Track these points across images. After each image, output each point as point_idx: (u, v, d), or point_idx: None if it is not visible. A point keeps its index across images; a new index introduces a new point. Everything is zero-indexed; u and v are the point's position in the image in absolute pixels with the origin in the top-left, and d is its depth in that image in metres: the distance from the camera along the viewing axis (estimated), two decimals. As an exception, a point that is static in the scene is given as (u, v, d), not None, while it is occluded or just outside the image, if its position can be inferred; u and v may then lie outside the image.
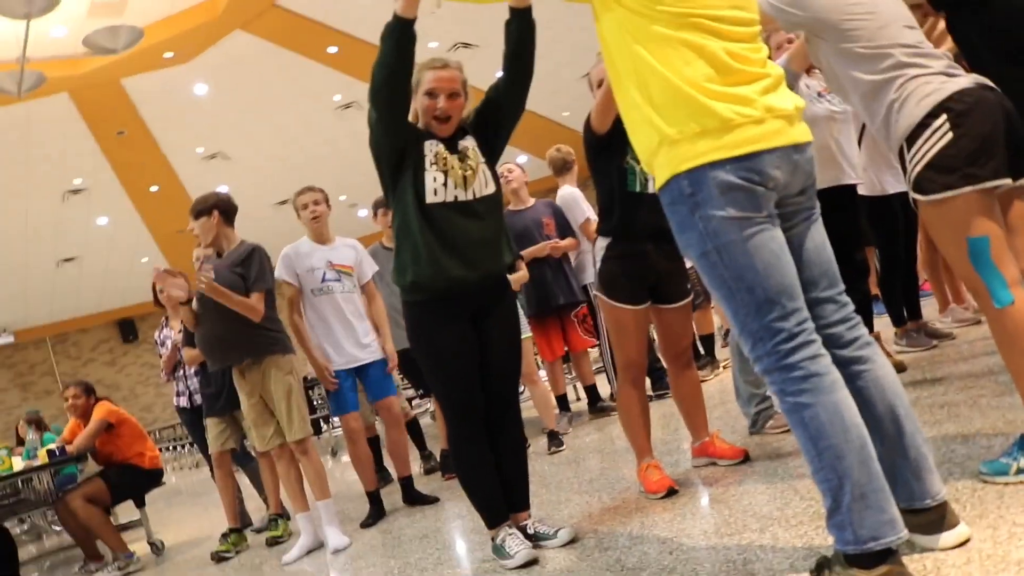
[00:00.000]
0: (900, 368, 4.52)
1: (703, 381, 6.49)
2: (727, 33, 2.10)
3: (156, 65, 13.08)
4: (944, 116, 2.47)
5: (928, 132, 2.50)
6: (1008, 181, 2.49)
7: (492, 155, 3.38)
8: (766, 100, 2.07)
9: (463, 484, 3.38)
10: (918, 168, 2.53)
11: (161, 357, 6.12)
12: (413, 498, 5.05)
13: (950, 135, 2.46)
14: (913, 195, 2.58)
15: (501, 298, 3.37)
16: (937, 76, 2.54)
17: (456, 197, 3.19)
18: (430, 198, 3.16)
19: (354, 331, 5.01)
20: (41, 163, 14.65)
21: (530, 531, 3.34)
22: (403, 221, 3.22)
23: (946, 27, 3.02)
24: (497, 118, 3.36)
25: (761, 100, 2.06)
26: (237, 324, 4.57)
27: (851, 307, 2.23)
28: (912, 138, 2.54)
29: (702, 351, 7.15)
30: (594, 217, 6.10)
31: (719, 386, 6.20)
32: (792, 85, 2.63)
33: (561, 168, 6.62)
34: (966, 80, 2.53)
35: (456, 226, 3.17)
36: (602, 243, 3.75)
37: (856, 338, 2.19)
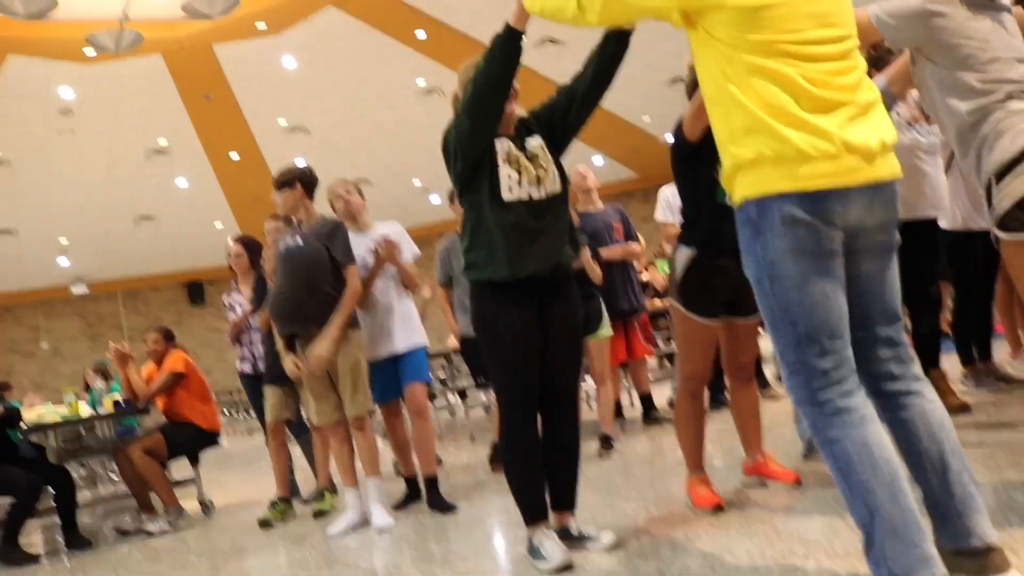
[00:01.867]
0: (964, 409, 4.42)
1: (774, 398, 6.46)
2: (815, 55, 2.05)
3: (248, 34, 13.34)
4: None
5: (1020, 169, 2.45)
6: None
7: (559, 152, 3.39)
8: (846, 134, 2.00)
9: (507, 474, 3.35)
10: (1005, 205, 2.48)
11: (228, 320, 6.25)
12: (435, 503, 4.74)
13: None
14: (996, 232, 2.53)
15: (566, 292, 3.37)
16: None
17: (531, 196, 3.21)
18: (506, 195, 3.18)
19: (394, 319, 4.97)
20: (129, 120, 15.05)
21: (574, 532, 3.34)
22: (477, 221, 3.24)
23: None
24: (567, 119, 3.34)
25: (840, 133, 2.00)
26: (313, 291, 4.60)
27: (906, 347, 2.20)
28: (1002, 174, 2.50)
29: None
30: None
31: (775, 407, 6.13)
32: (888, 107, 2.59)
33: None
34: None
35: (530, 223, 3.18)
36: (685, 252, 3.70)
37: (905, 374, 2.17)
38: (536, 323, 3.27)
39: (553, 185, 3.28)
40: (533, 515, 3.29)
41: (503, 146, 3.25)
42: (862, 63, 2.14)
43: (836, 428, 2.01)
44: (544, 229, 3.21)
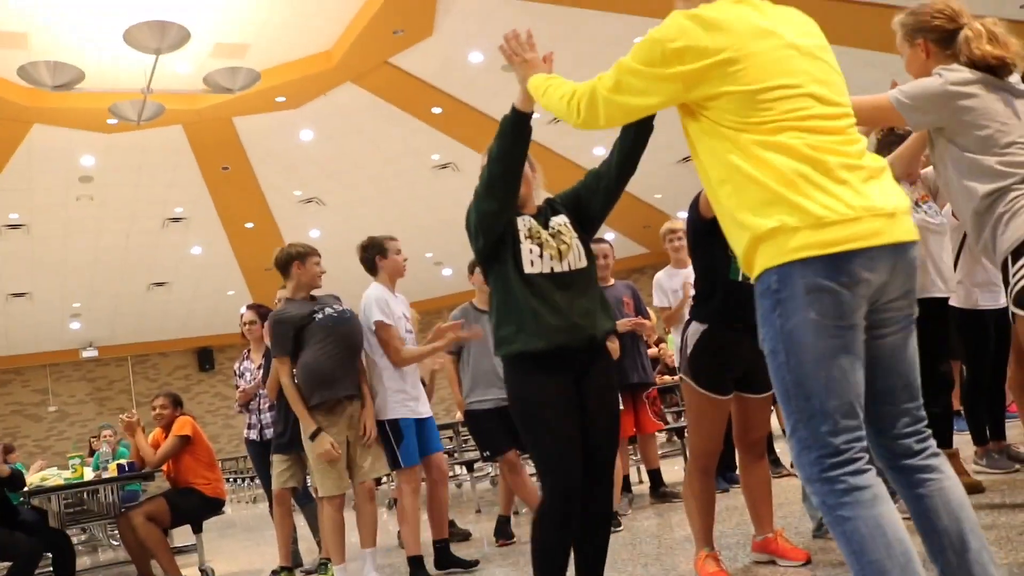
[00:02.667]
0: (977, 489, 4.37)
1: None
2: (819, 128, 2.05)
3: (267, 108, 13.60)
4: None
5: None
6: None
7: (586, 233, 3.38)
8: (863, 199, 2.00)
9: (535, 549, 3.19)
10: (1022, 283, 2.50)
11: (237, 388, 6.25)
12: (449, 561, 4.99)
13: None
14: (1014, 309, 2.54)
15: (602, 363, 3.28)
16: None
17: (552, 269, 3.19)
18: (527, 269, 3.16)
19: (415, 382, 5.04)
20: (148, 188, 15.30)
21: None
22: (502, 296, 3.21)
23: None
24: (593, 203, 3.36)
25: (857, 199, 1.99)
26: (350, 360, 4.83)
27: (924, 421, 2.16)
28: (1019, 252, 2.52)
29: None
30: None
31: (785, 485, 6.06)
32: None
33: None
34: None
35: (555, 295, 3.14)
36: (696, 328, 3.71)
37: (924, 449, 2.13)
38: (574, 395, 3.18)
39: (578, 261, 3.25)
40: None
41: (524, 223, 3.26)
42: (863, 138, 2.16)
43: (848, 507, 1.96)
44: (570, 301, 3.16)
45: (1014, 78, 2.73)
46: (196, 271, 19.17)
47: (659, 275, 6.33)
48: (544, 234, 3.25)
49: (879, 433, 2.12)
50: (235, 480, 18.11)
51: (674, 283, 6.10)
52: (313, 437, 4.67)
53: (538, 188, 3.40)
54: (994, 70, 2.61)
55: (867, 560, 1.93)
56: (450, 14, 11.90)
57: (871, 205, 1.99)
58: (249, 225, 17.58)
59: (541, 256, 3.19)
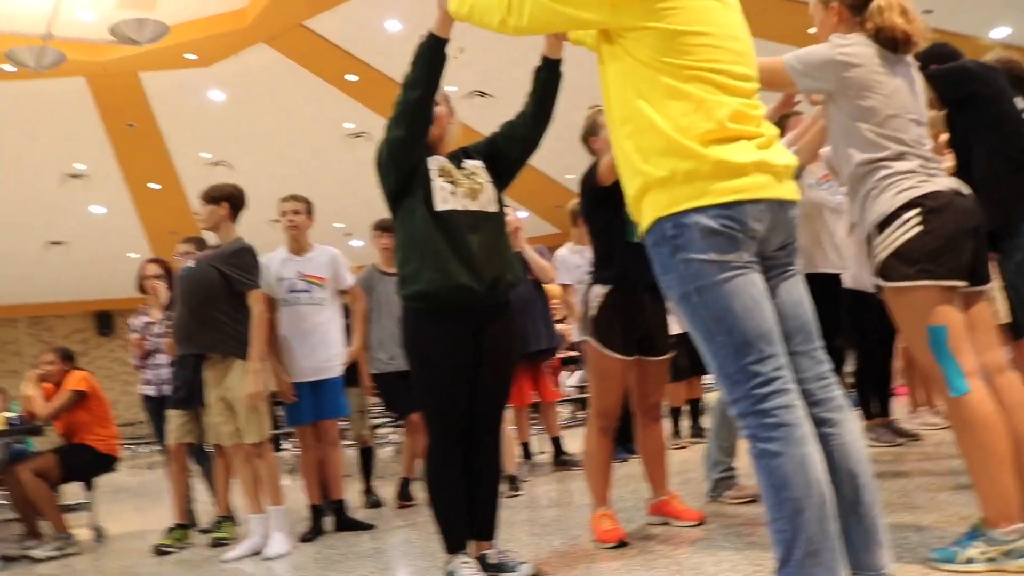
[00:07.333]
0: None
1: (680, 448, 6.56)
2: (731, 88, 2.13)
3: (176, 64, 13.18)
4: (917, 210, 2.59)
5: (898, 223, 2.62)
6: (962, 283, 2.61)
7: (500, 184, 3.39)
8: (756, 154, 2.09)
9: (430, 499, 3.28)
10: (883, 255, 2.63)
11: (131, 341, 6.07)
12: (346, 523, 5.01)
13: (918, 229, 2.58)
14: (878, 281, 2.66)
15: (503, 318, 3.32)
16: (918, 174, 2.64)
17: (465, 207, 3.20)
18: (439, 206, 3.16)
19: (314, 345, 4.99)
20: (46, 142, 14.66)
21: (492, 560, 3.29)
22: (409, 232, 3.20)
23: (946, 122, 3.14)
24: (510, 150, 3.39)
25: (751, 154, 2.09)
26: (200, 315, 4.64)
27: (827, 365, 2.23)
28: (883, 225, 2.64)
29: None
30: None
31: (685, 455, 6.21)
32: (796, 176, 2.70)
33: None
34: (944, 183, 2.65)
35: (464, 234, 3.15)
36: (599, 290, 3.77)
37: (829, 398, 2.19)
38: (470, 346, 3.22)
39: (490, 204, 3.28)
40: (454, 542, 3.24)
41: (436, 162, 3.26)
42: (763, 105, 2.26)
43: (777, 442, 2.00)
44: (478, 242, 3.17)
45: (911, 58, 2.83)
46: (97, 231, 18.49)
47: (561, 251, 6.24)
48: (457, 173, 3.26)
49: None
50: (132, 445, 17.67)
51: (577, 259, 6.01)
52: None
53: (453, 133, 3.40)
54: (896, 44, 2.70)
55: (786, 496, 1.98)
56: (368, -22, 11.73)
57: (762, 160, 2.09)
58: (154, 186, 17.05)
59: (454, 194, 3.20)
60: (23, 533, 5.76)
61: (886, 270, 2.63)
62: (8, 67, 11.45)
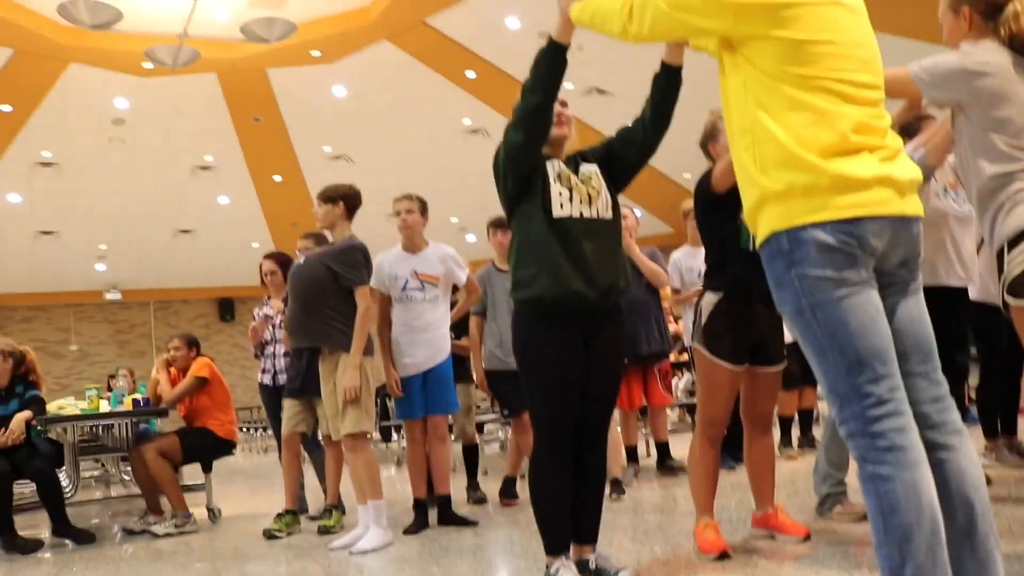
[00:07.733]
0: (986, 482, 4.35)
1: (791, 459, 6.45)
2: (854, 97, 2.06)
3: (302, 61, 13.58)
4: None
5: None
6: None
7: (615, 189, 3.37)
8: (879, 168, 2.01)
9: (535, 502, 3.27)
10: (1016, 272, 2.50)
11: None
12: (449, 518, 5.07)
13: None
14: (1006, 298, 2.54)
15: (614, 324, 3.31)
16: None
17: (581, 213, 3.19)
18: (557, 212, 3.15)
19: (425, 341, 5.08)
20: (179, 135, 15.34)
21: (592, 565, 3.29)
22: (525, 237, 3.20)
23: None
24: (627, 155, 3.36)
25: (873, 168, 2.01)
26: (310, 310, 4.78)
27: (945, 387, 2.13)
28: (1015, 241, 2.51)
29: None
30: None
31: (792, 466, 6.07)
32: (926, 178, 2.60)
33: None
34: None
35: (579, 241, 3.14)
36: (711, 298, 3.72)
37: (945, 422, 2.10)
38: (581, 352, 3.21)
39: (605, 210, 3.27)
40: (555, 546, 3.21)
41: (554, 166, 3.26)
42: (888, 115, 2.16)
43: (888, 465, 1.93)
44: (593, 249, 3.16)
45: None
46: (222, 221, 19.25)
47: (676, 254, 6.21)
48: (574, 179, 3.26)
49: None
50: (247, 430, 18.30)
51: (691, 262, 5.97)
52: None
53: (569, 138, 3.40)
54: None
55: (895, 522, 1.91)
56: (489, -23, 11.83)
57: (884, 175, 2.01)
58: (277, 178, 17.62)
59: (571, 200, 3.20)
60: (145, 509, 6.06)
61: (1018, 287, 2.50)
62: (147, 64, 12.02)
